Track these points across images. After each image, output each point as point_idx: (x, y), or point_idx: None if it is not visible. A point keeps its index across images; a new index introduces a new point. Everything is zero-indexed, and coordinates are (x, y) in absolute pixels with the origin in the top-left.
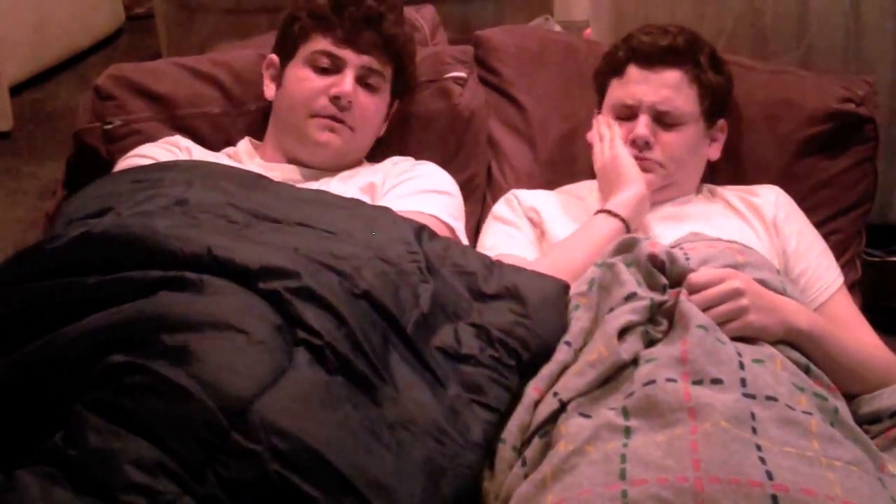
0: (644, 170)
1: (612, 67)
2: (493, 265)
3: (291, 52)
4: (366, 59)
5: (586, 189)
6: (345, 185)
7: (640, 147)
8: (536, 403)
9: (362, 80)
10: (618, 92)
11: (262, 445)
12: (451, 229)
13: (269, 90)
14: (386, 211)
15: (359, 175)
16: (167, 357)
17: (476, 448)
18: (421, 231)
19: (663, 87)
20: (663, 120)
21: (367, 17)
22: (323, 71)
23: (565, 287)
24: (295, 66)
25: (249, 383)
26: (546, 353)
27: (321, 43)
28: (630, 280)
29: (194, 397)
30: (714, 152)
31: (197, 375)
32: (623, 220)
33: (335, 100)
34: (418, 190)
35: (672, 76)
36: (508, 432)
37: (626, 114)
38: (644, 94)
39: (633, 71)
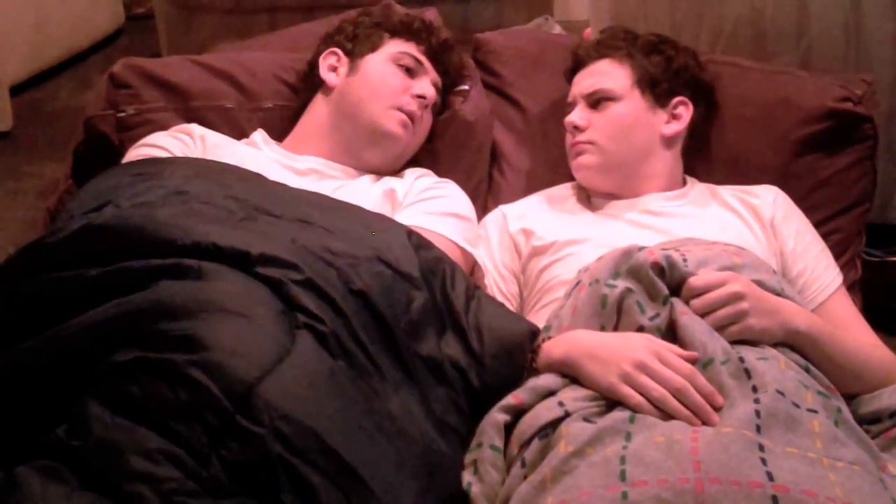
0: (578, 153)
1: (569, 81)
2: (472, 297)
3: (371, 46)
4: (437, 78)
5: (566, 189)
6: (368, 187)
7: (572, 133)
8: (516, 410)
9: None
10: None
11: (265, 428)
12: (469, 256)
13: (332, 78)
14: (384, 217)
15: (381, 182)
16: (171, 346)
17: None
18: (417, 241)
19: (591, 76)
20: (594, 100)
21: (446, 43)
22: (405, 71)
23: (532, 332)
24: (377, 60)
25: (253, 366)
26: (500, 395)
27: (410, 47)
28: (637, 312)
29: (200, 384)
30: (672, 129)
31: (201, 362)
32: None
33: (419, 98)
34: (439, 212)
35: (599, 64)
36: (485, 434)
37: (571, 111)
38: (576, 90)
39: (575, 78)
